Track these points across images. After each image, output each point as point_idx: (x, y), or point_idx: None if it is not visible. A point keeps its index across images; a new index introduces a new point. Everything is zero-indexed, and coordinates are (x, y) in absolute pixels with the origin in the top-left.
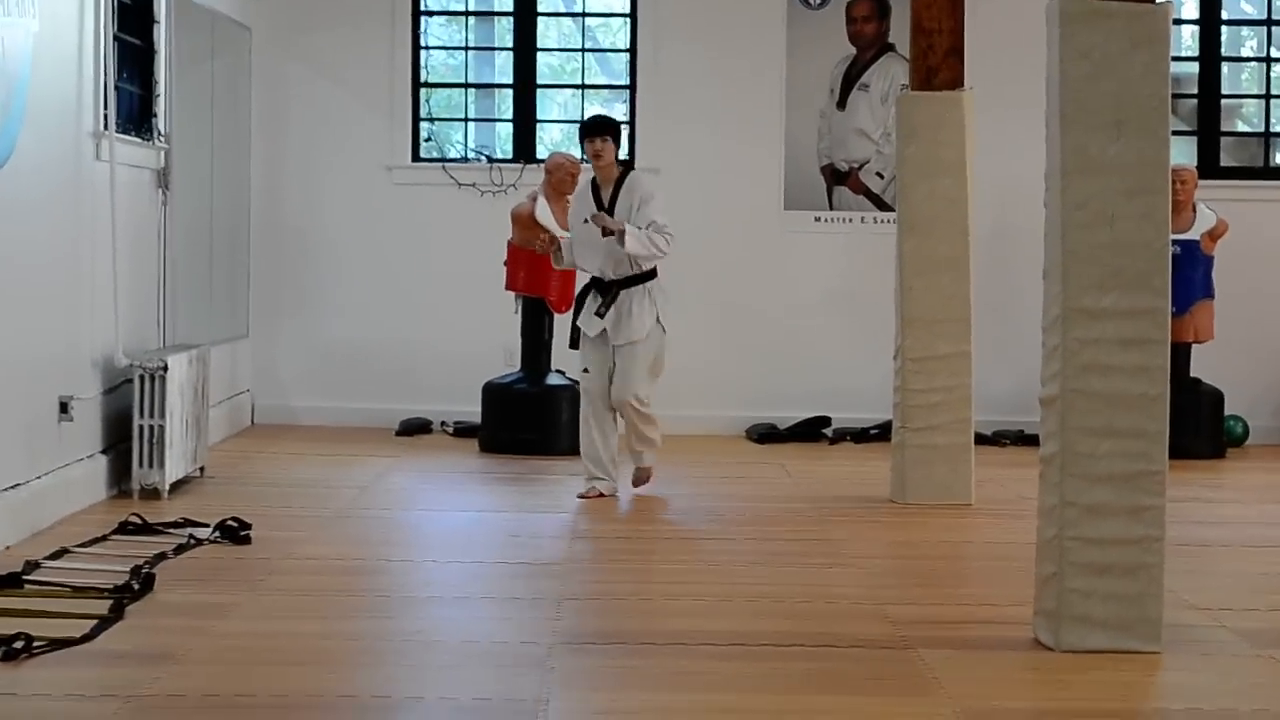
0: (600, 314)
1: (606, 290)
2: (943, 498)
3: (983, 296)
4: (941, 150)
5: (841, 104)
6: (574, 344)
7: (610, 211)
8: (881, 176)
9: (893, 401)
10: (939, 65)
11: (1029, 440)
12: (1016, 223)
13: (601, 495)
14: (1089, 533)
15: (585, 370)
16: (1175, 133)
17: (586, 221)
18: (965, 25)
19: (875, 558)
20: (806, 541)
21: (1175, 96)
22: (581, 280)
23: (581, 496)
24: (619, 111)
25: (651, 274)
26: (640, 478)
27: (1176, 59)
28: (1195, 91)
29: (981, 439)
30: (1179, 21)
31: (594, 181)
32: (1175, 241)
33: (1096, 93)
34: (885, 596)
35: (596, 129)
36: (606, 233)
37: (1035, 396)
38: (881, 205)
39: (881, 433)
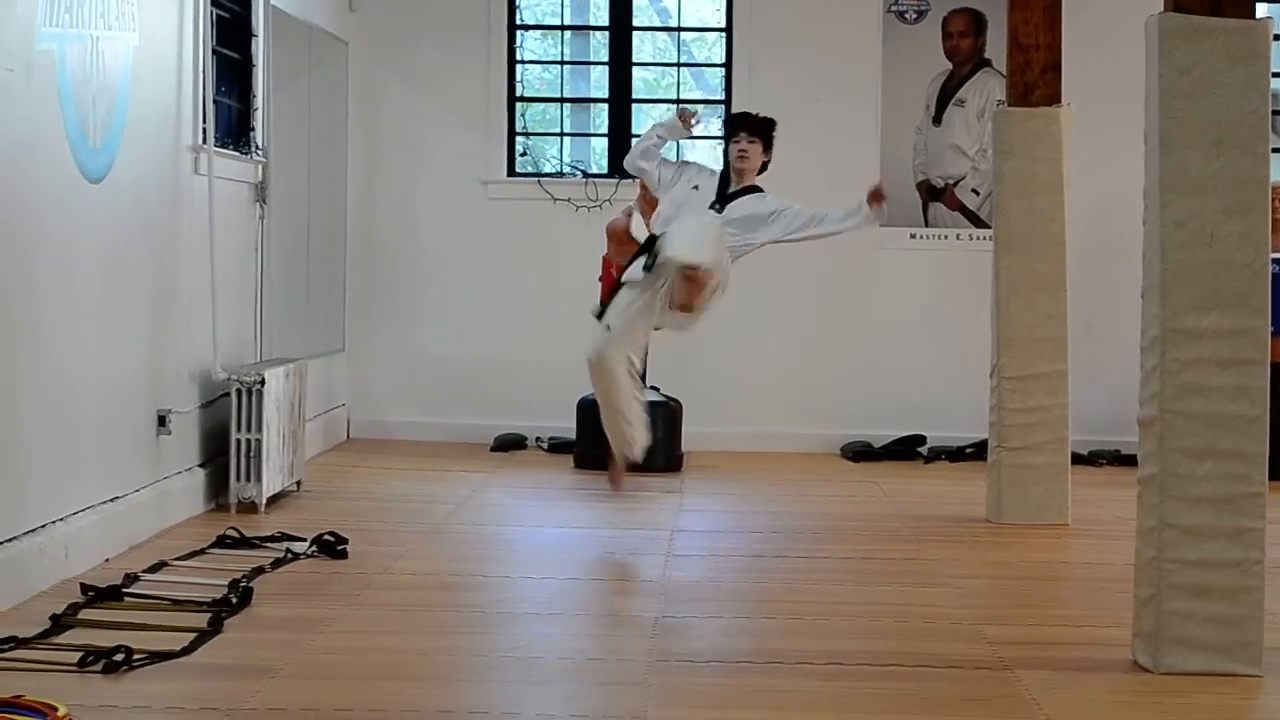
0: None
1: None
2: (1039, 518)
3: (1079, 315)
4: (1038, 167)
5: (937, 120)
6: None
7: (733, 198)
8: (977, 193)
9: (988, 420)
10: (1036, 81)
11: (1126, 460)
12: (1114, 241)
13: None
14: (1188, 555)
15: None
16: (1275, 150)
17: (696, 188)
18: (1063, 41)
19: (972, 577)
20: (902, 561)
21: (1275, 113)
22: None
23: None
24: (714, 127)
25: None
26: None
27: (1276, 75)
28: None
29: (1078, 459)
30: (1278, 37)
31: (725, 171)
32: (1274, 260)
33: (1196, 109)
34: (982, 617)
35: (744, 124)
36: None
37: (1132, 416)
38: (977, 222)
39: (977, 452)
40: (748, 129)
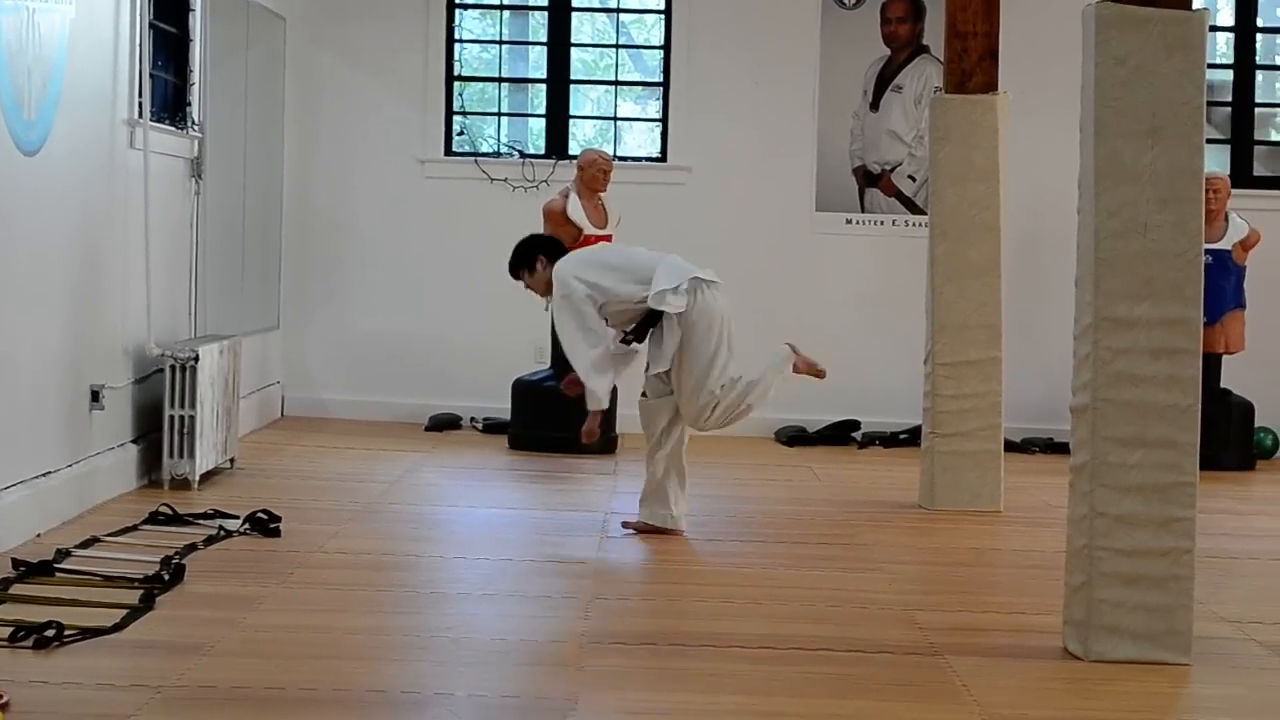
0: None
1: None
2: (972, 504)
3: (1013, 302)
4: (974, 154)
5: (874, 105)
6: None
7: None
8: (914, 179)
9: (922, 406)
10: (973, 68)
11: (1058, 448)
12: (1048, 229)
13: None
14: (1119, 543)
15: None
16: (1208, 141)
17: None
18: (1001, 29)
19: (904, 563)
20: (835, 545)
21: (1209, 104)
22: None
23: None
24: (653, 109)
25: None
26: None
27: (1211, 66)
28: (1229, 99)
29: (1011, 446)
30: (1214, 28)
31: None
32: (1207, 251)
33: (1131, 99)
34: (914, 602)
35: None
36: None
37: (1065, 404)
38: (913, 208)
39: (911, 438)
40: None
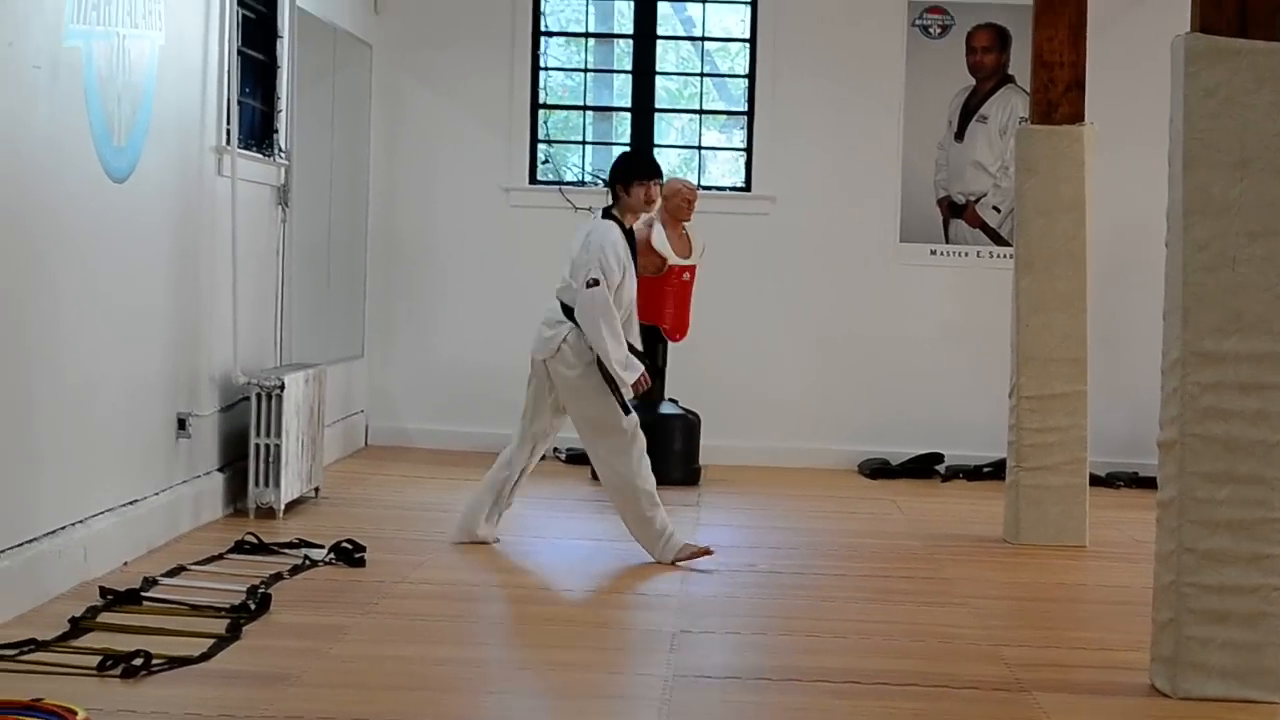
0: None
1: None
2: (1057, 539)
3: (1099, 335)
4: (1060, 186)
5: (959, 135)
6: (628, 409)
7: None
8: (998, 210)
9: (1007, 440)
10: (1059, 99)
11: (1144, 483)
12: (1136, 262)
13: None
14: (1207, 579)
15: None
16: None
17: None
18: (1087, 59)
19: (989, 598)
20: (918, 580)
21: None
22: (699, 309)
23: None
24: (737, 138)
25: None
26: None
27: None
28: None
29: (1096, 480)
30: None
31: (620, 224)
32: None
33: (1220, 131)
34: (999, 637)
35: (656, 169)
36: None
37: (1150, 437)
38: (998, 240)
39: (995, 471)
40: (658, 172)
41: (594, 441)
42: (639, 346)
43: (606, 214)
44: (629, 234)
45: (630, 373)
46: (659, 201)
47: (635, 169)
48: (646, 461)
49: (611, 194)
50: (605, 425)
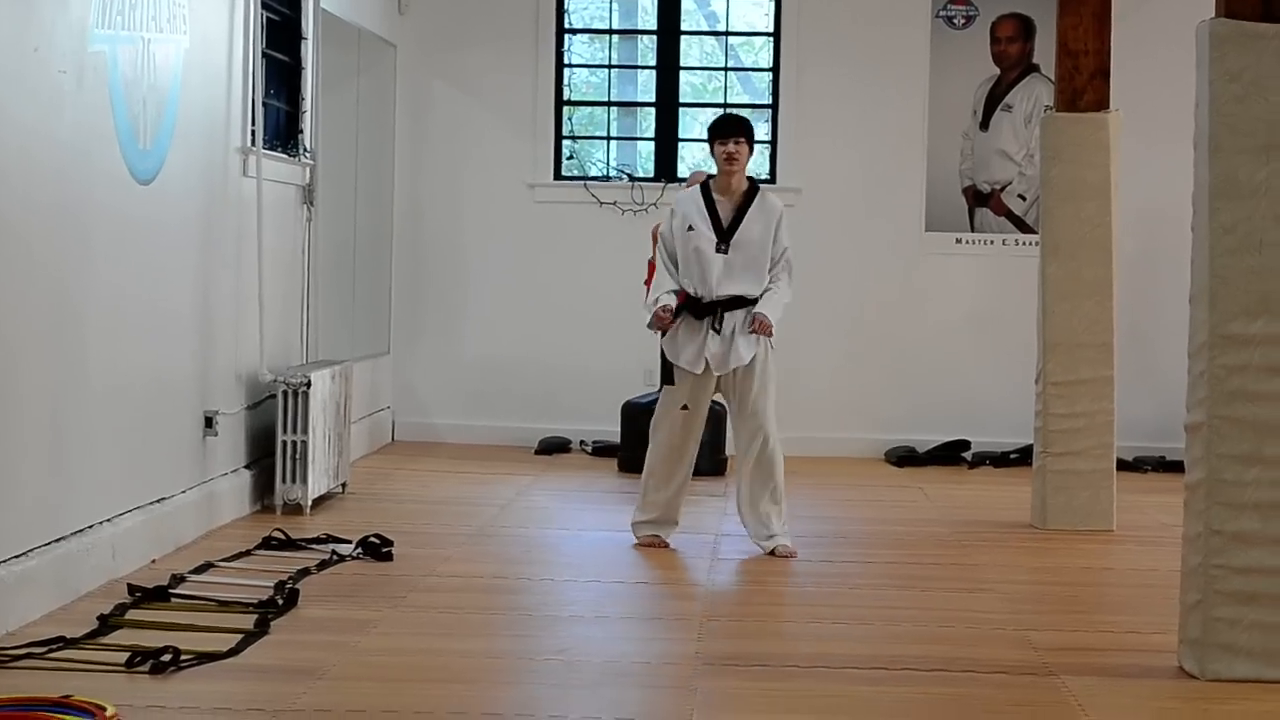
0: (716, 330)
1: (706, 312)
2: (1084, 524)
3: (1125, 320)
4: (1086, 173)
5: (984, 125)
6: (668, 379)
7: (731, 232)
8: (1024, 199)
9: (1034, 426)
10: (1084, 86)
11: (1171, 466)
12: (1162, 247)
13: (665, 545)
14: (1235, 561)
15: (685, 408)
16: None
17: (691, 230)
18: (1112, 46)
19: (1017, 583)
20: (947, 565)
21: None
22: None
23: (641, 545)
24: (761, 131)
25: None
26: (781, 554)
27: None
28: None
29: (1123, 464)
30: None
31: (707, 188)
32: None
33: (1246, 116)
34: (1027, 622)
35: (731, 128)
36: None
37: (1177, 422)
38: (1023, 228)
39: (1022, 457)
40: (732, 133)
41: None
42: (701, 296)
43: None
44: (706, 193)
45: (648, 313)
46: (743, 164)
47: (711, 130)
48: (659, 438)
49: None
50: None
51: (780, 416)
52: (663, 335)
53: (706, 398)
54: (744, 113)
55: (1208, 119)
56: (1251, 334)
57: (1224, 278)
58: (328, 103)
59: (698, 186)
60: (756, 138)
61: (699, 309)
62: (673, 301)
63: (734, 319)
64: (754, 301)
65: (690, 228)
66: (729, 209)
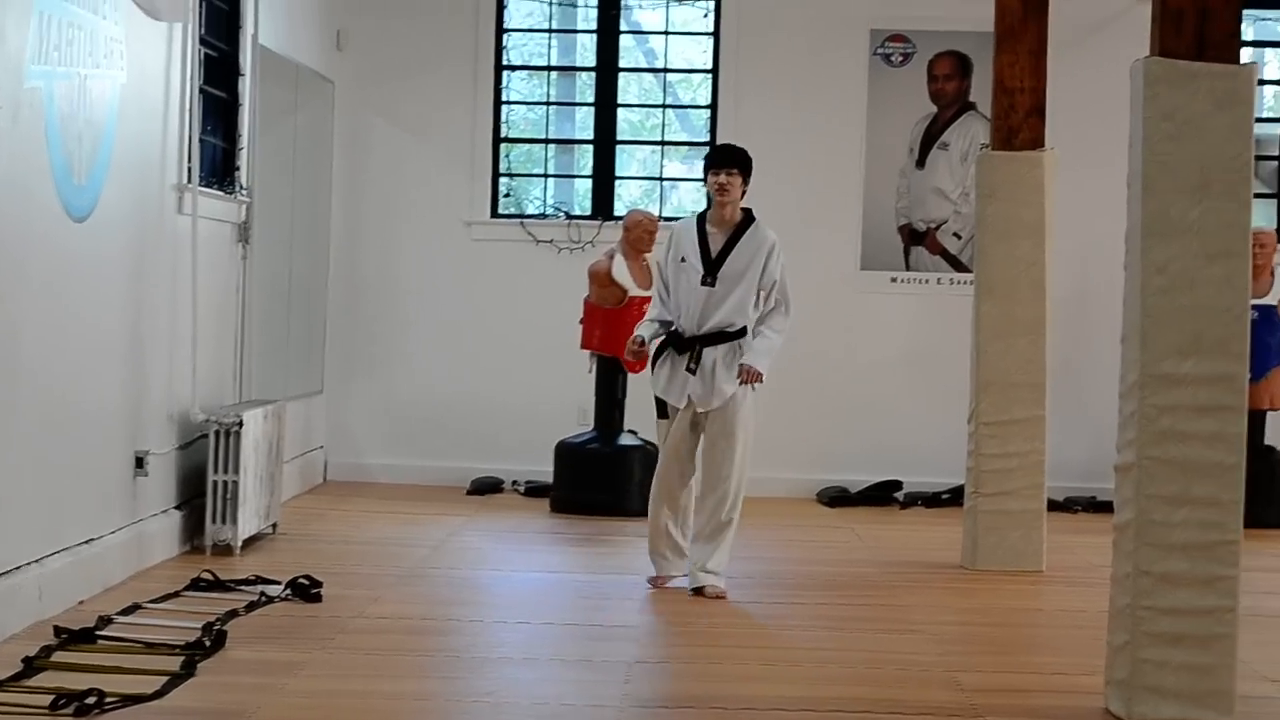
0: (690, 371)
1: (688, 347)
2: (1014, 564)
3: (1058, 360)
4: (1021, 211)
5: (921, 163)
6: (663, 413)
7: (721, 262)
8: (959, 237)
9: (966, 466)
10: (1020, 125)
11: (1101, 507)
12: (1095, 285)
13: (670, 579)
14: (1162, 602)
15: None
16: (1256, 195)
17: (684, 261)
18: (1048, 85)
19: (946, 624)
20: (877, 607)
21: (1256, 158)
22: None
23: (654, 583)
24: (699, 169)
25: (745, 332)
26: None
27: (1258, 120)
28: (1276, 153)
29: (1054, 505)
30: (1262, 82)
31: (702, 221)
32: (1253, 306)
33: (1179, 155)
34: (956, 663)
35: (724, 158)
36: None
37: (1108, 462)
38: (958, 266)
39: (953, 497)
40: (725, 164)
41: None
42: (682, 330)
43: None
44: (700, 224)
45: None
46: (735, 195)
47: (705, 160)
48: (660, 470)
49: None
50: None
51: None
52: (651, 368)
53: (698, 430)
54: (681, 150)
55: (1141, 158)
56: (1183, 373)
57: (1156, 317)
58: (265, 139)
59: (694, 218)
60: (694, 175)
61: (680, 344)
62: (646, 334)
63: (714, 354)
64: (737, 334)
65: (683, 259)
66: (720, 241)
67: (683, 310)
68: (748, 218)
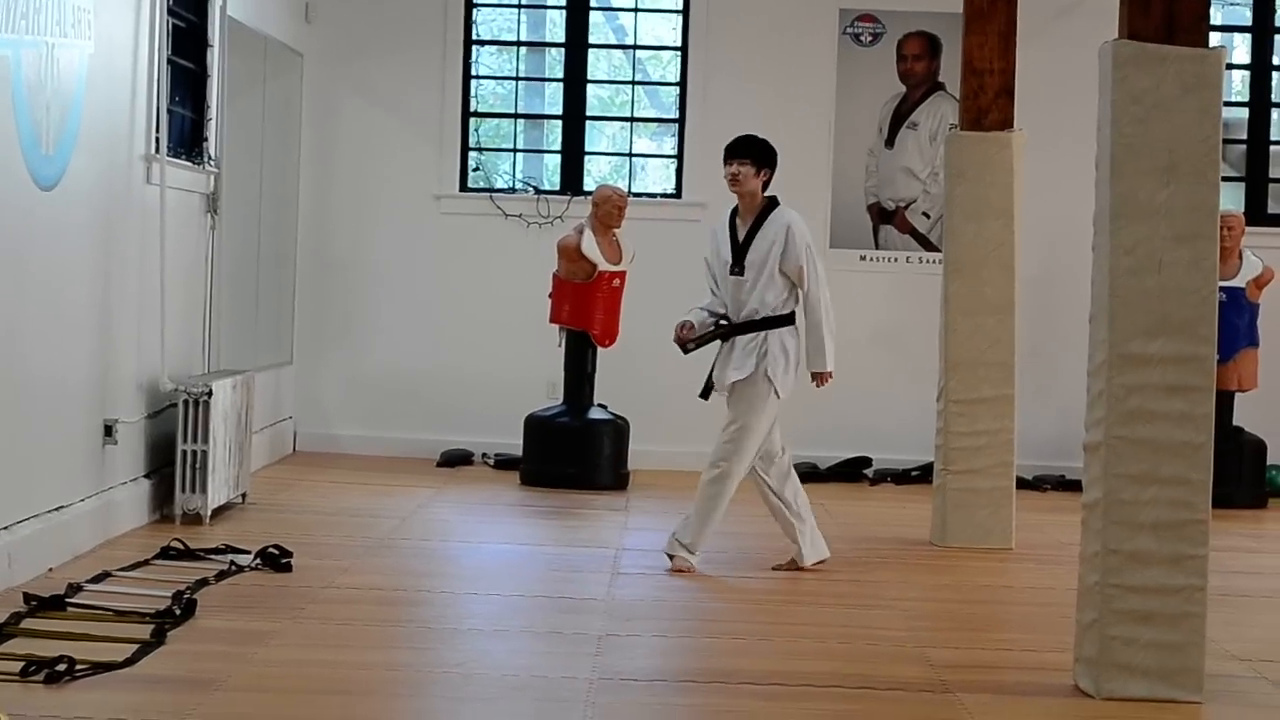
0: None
1: (730, 334)
2: (983, 541)
3: (1026, 339)
4: (990, 191)
5: (890, 142)
6: (704, 393)
7: (745, 250)
8: (928, 216)
9: (935, 443)
10: (989, 105)
11: (1070, 485)
12: (1063, 266)
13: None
14: (1131, 580)
15: (703, 396)
16: (1223, 178)
17: (719, 254)
18: (1017, 66)
19: (915, 600)
20: (846, 583)
21: (1224, 142)
22: (628, 315)
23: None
24: (668, 145)
25: (781, 321)
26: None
27: (1226, 104)
28: (1244, 137)
29: (1022, 483)
30: (1230, 66)
31: (734, 212)
32: (1221, 288)
33: (1147, 137)
34: (925, 639)
35: (732, 150)
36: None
37: (1077, 441)
38: (927, 245)
39: (923, 474)
40: (734, 154)
41: None
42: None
43: None
44: (733, 217)
45: None
46: (747, 184)
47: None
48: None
49: None
50: None
51: (682, 432)
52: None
53: None
54: (650, 127)
55: (1109, 140)
56: (1150, 354)
57: (1123, 298)
58: (233, 111)
59: (730, 212)
60: (663, 152)
61: (727, 330)
62: (693, 318)
63: (741, 341)
64: (765, 321)
65: (719, 252)
66: (744, 231)
67: (724, 300)
68: (770, 204)
